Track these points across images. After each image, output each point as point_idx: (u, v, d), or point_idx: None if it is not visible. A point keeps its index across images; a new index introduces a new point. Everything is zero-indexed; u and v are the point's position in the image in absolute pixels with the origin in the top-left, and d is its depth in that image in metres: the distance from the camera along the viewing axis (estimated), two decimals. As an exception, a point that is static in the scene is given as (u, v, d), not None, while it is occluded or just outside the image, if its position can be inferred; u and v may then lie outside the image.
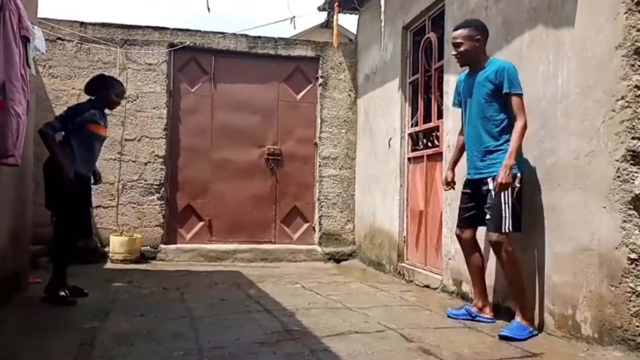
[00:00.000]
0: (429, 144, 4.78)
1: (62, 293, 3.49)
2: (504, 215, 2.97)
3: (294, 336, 2.85)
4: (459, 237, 3.40)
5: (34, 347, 2.53)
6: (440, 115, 4.54)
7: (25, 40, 3.19)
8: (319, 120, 6.60)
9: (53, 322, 3.04)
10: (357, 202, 6.56)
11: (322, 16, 7.43)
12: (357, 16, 6.82)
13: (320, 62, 6.64)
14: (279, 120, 6.53)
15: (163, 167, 6.14)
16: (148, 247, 5.93)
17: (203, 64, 6.42)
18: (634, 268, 2.45)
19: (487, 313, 3.30)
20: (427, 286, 4.43)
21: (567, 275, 2.84)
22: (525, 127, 3.01)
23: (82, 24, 6.08)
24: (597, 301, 2.62)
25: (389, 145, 5.44)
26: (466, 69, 3.35)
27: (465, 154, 3.37)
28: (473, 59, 3.22)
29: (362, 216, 6.35)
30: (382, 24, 5.22)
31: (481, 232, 3.36)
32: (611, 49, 2.59)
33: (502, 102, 3.08)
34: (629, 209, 2.48)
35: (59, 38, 5.95)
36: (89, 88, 3.86)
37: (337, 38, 6.17)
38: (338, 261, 6.23)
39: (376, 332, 2.95)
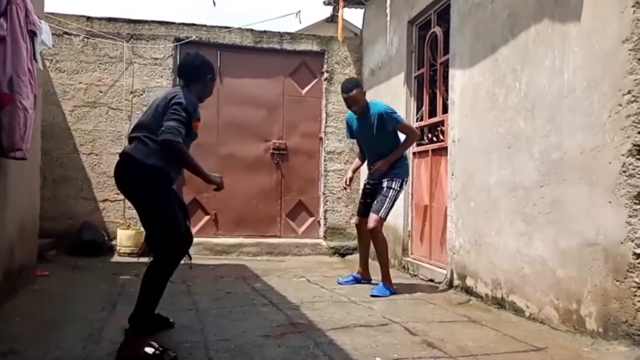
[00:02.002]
0: (434, 139, 4.77)
1: (151, 351, 2.34)
2: (385, 205, 3.97)
3: (299, 329, 2.87)
4: (357, 225, 4.37)
5: (42, 339, 2.57)
6: (445, 110, 4.53)
7: (32, 34, 3.21)
8: (324, 115, 6.59)
9: (61, 314, 3.07)
10: (362, 197, 6.56)
11: (328, 10, 7.43)
12: (362, 10, 6.79)
13: (326, 56, 6.63)
14: (284, 114, 6.54)
15: (169, 161, 6.16)
16: (154, 240, 5.96)
17: (209, 59, 6.41)
18: (639, 263, 2.44)
19: (368, 276, 4.36)
20: (432, 280, 4.44)
21: (572, 269, 2.84)
22: (412, 140, 4.22)
23: (88, 18, 6.10)
24: (602, 296, 2.62)
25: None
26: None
27: (365, 165, 4.38)
28: (366, 108, 4.10)
29: (367, 211, 6.36)
30: (388, 18, 5.20)
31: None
32: (618, 42, 2.58)
33: (387, 133, 4.06)
34: (635, 203, 2.47)
35: (65, 32, 5.98)
36: (191, 71, 2.82)
37: (342, 32, 6.16)
38: (343, 255, 6.24)
39: (381, 326, 2.97)
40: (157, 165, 2.50)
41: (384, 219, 3.99)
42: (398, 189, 4.04)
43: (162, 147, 2.48)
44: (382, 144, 4.11)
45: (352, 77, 4.62)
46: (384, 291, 3.90)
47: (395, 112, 4.11)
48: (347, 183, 4.37)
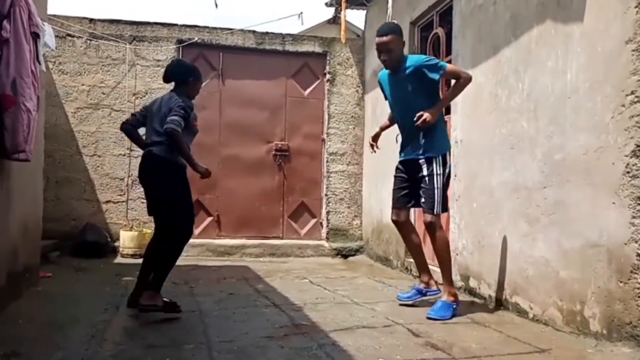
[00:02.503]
0: (437, 140, 4.75)
1: (167, 300, 3.15)
2: (436, 199, 3.26)
3: (302, 330, 2.87)
4: (394, 221, 3.56)
5: (45, 341, 2.57)
6: (448, 111, 4.51)
7: (35, 36, 3.22)
8: (326, 116, 6.60)
9: (64, 315, 3.07)
10: (364, 198, 6.56)
11: (330, 12, 7.43)
12: (364, 12, 6.80)
13: (328, 57, 6.63)
14: (286, 116, 6.54)
15: (171, 162, 6.17)
16: (157, 242, 5.97)
17: (211, 60, 6.44)
18: (643, 264, 2.43)
19: (433, 286, 3.55)
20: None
21: (575, 271, 2.83)
22: (467, 80, 3.34)
23: (91, 20, 6.12)
24: (606, 297, 2.61)
25: (397, 140, 5.41)
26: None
27: (398, 133, 3.63)
28: (399, 61, 3.40)
29: (369, 212, 6.36)
30: (389, 20, 5.20)
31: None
32: (621, 43, 2.57)
33: (426, 91, 3.34)
34: (639, 204, 2.46)
35: (68, 34, 6.00)
36: (176, 75, 3.42)
37: (344, 34, 6.16)
38: (345, 256, 6.24)
39: (384, 327, 2.96)
40: (177, 161, 3.20)
41: (440, 213, 3.30)
42: (442, 172, 3.28)
43: (166, 135, 3.11)
44: (419, 108, 3.28)
45: (392, 22, 3.86)
46: (445, 310, 3.17)
47: (435, 59, 3.39)
48: (374, 140, 3.78)
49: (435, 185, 3.26)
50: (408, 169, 3.44)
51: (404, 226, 3.54)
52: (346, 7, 6.21)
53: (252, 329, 2.88)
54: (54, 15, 5.70)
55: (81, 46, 6.04)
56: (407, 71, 3.33)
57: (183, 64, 3.55)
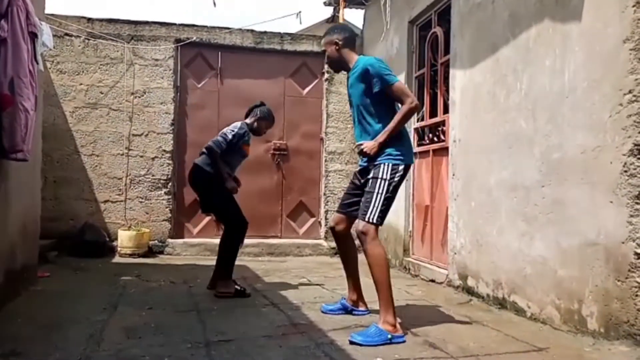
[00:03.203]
0: (435, 139, 4.77)
1: (239, 287, 3.74)
2: (372, 204, 2.82)
3: (300, 330, 2.87)
4: (331, 228, 3.24)
5: (43, 340, 2.57)
6: (446, 110, 4.53)
7: (33, 36, 3.21)
8: (325, 115, 6.60)
9: (62, 315, 3.07)
10: (363, 197, 6.55)
11: (328, 11, 7.43)
12: (363, 11, 6.80)
13: (326, 57, 6.62)
14: (285, 115, 6.54)
15: (170, 162, 6.17)
16: (156, 241, 5.98)
17: (210, 60, 6.43)
18: (640, 263, 2.44)
19: (362, 307, 3.24)
20: (433, 280, 4.44)
21: (573, 269, 2.84)
22: (413, 109, 2.90)
23: (89, 19, 6.11)
24: (604, 296, 2.62)
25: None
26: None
27: None
28: (341, 62, 3.17)
29: (368, 211, 6.35)
30: (387, 19, 5.20)
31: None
32: (619, 42, 2.58)
33: (376, 97, 2.96)
34: (636, 203, 2.47)
35: (66, 34, 5.99)
36: (250, 111, 4.15)
37: (343, 33, 6.14)
38: (344, 256, 6.23)
39: (382, 326, 2.96)
40: (212, 172, 3.83)
41: (376, 223, 2.82)
42: (388, 177, 2.85)
43: (206, 150, 3.85)
44: (368, 114, 3.00)
45: (335, 24, 4.04)
46: (371, 338, 2.60)
47: (387, 69, 2.96)
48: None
49: (377, 190, 2.83)
50: (360, 177, 3.10)
51: (341, 236, 3.21)
52: (344, 6, 6.23)
53: (250, 328, 2.88)
54: (52, 15, 5.69)
55: (79, 45, 6.04)
56: (356, 74, 3.03)
57: (255, 105, 4.15)
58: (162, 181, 6.13)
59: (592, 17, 2.77)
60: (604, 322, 2.61)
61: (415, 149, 5.11)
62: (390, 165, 2.88)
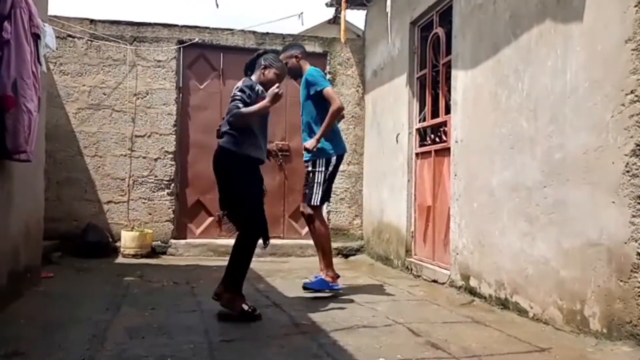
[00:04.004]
0: (437, 139, 4.77)
1: (246, 307, 3.05)
2: (314, 191, 3.76)
3: (302, 330, 2.87)
4: (301, 212, 3.96)
5: (46, 340, 2.58)
6: (448, 111, 4.53)
7: (36, 37, 3.22)
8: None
9: (65, 315, 3.08)
10: (364, 198, 6.57)
11: (330, 12, 7.42)
12: (364, 12, 6.80)
13: (328, 58, 6.64)
14: (286, 116, 6.54)
15: (173, 162, 6.19)
16: (158, 241, 5.99)
17: (212, 61, 6.45)
18: (642, 263, 2.44)
19: (337, 281, 3.88)
20: (435, 281, 4.44)
21: (575, 270, 2.83)
22: (337, 109, 3.77)
23: (92, 21, 6.13)
24: (606, 296, 2.61)
25: (397, 140, 5.44)
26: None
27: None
28: (300, 71, 3.93)
29: (370, 211, 6.36)
30: (389, 19, 5.20)
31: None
32: (621, 42, 2.58)
33: (315, 103, 3.80)
34: (638, 203, 2.46)
35: (69, 35, 6.01)
36: (249, 67, 3.42)
37: (344, 34, 6.15)
38: (346, 256, 6.25)
39: (384, 327, 2.97)
40: (245, 152, 3.15)
41: (317, 205, 3.79)
42: (323, 169, 3.78)
43: (231, 127, 3.11)
44: (309, 117, 3.84)
45: (290, 44, 4.27)
46: (321, 285, 3.69)
47: (321, 77, 3.84)
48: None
49: (316, 180, 3.77)
50: (306, 169, 3.95)
51: (309, 218, 3.89)
52: (346, 8, 6.21)
53: (252, 328, 2.89)
54: (55, 16, 5.71)
55: (82, 47, 6.06)
56: (303, 82, 3.88)
57: (258, 54, 3.40)
58: (164, 182, 6.15)
59: (594, 17, 2.77)
60: (607, 322, 2.60)
61: (417, 150, 5.12)
62: (324, 159, 3.80)
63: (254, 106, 3.09)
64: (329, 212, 6.51)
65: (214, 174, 3.26)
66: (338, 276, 3.86)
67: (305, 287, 3.71)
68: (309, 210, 3.79)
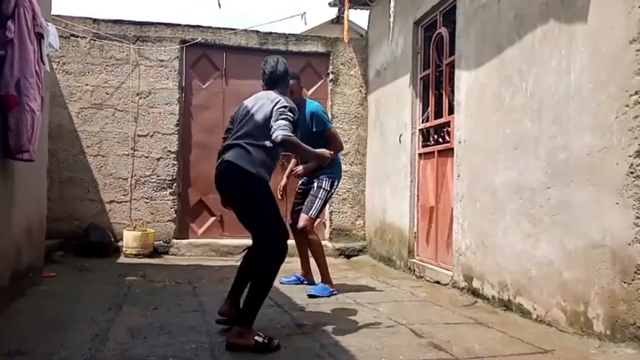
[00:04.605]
0: (440, 140, 4.76)
1: (260, 339, 2.51)
2: (315, 205, 4.00)
3: (304, 331, 2.87)
4: (290, 225, 4.13)
5: (48, 340, 2.58)
6: (451, 111, 4.52)
7: (40, 37, 3.23)
8: (329, 116, 6.58)
9: (67, 315, 3.08)
10: (367, 198, 6.56)
11: (333, 12, 7.42)
12: (368, 11, 6.79)
13: (331, 57, 6.63)
14: (289, 116, 6.53)
15: (175, 162, 6.19)
16: (161, 241, 5.99)
17: (214, 60, 6.45)
18: (647, 265, 2.42)
19: (310, 277, 4.31)
20: (438, 282, 4.43)
21: (579, 271, 2.82)
22: (340, 150, 4.18)
23: (95, 20, 6.13)
24: (610, 298, 2.60)
25: (400, 141, 5.43)
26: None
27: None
28: (297, 102, 3.61)
29: (372, 212, 6.35)
30: (392, 19, 5.20)
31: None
32: (625, 43, 2.56)
33: (318, 134, 3.99)
34: (643, 205, 2.45)
35: (72, 35, 6.02)
36: (277, 76, 3.03)
37: (347, 34, 6.15)
38: (348, 257, 6.23)
39: (386, 328, 2.96)
40: (260, 174, 2.71)
41: (314, 218, 4.04)
42: (328, 189, 4.06)
43: (276, 144, 2.65)
44: (314, 145, 3.13)
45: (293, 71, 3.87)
46: (323, 291, 3.90)
47: (326, 116, 4.17)
48: (281, 190, 4.36)
49: (319, 195, 4.02)
50: (304, 191, 4.21)
51: (296, 231, 4.12)
52: (349, 7, 6.21)
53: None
54: (58, 16, 5.71)
55: (85, 46, 6.06)
56: (307, 115, 4.03)
57: (283, 64, 3.06)
58: (167, 182, 6.15)
59: (598, 17, 2.76)
60: (610, 324, 2.59)
61: (420, 150, 5.11)
62: (329, 180, 4.08)
63: (313, 150, 2.87)
64: (331, 213, 6.51)
65: (219, 192, 2.92)
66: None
67: (311, 295, 3.83)
68: (302, 221, 3.98)
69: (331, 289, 3.95)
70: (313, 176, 4.12)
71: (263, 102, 2.82)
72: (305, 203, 4.04)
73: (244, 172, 2.67)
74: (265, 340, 2.49)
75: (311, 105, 4.10)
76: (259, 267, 2.65)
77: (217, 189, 2.88)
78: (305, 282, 4.29)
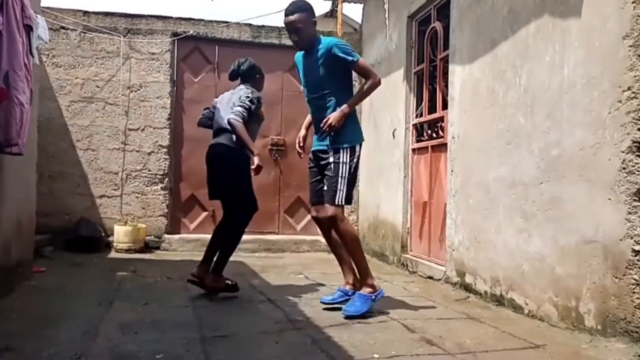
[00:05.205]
0: (434, 135, 4.76)
1: (229, 282, 3.57)
2: (339, 187, 3.05)
3: (296, 326, 2.86)
4: (315, 218, 3.34)
5: (38, 336, 2.55)
6: (445, 106, 4.51)
7: (29, 29, 3.18)
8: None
9: (57, 310, 3.05)
10: (360, 193, 6.54)
11: (327, 5, 7.40)
12: (361, 5, 6.76)
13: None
14: (282, 110, 6.51)
15: (167, 156, 6.14)
16: (152, 236, 5.95)
17: (207, 54, 6.39)
18: (638, 260, 2.43)
19: (360, 288, 3.19)
20: (431, 277, 4.43)
21: (571, 267, 2.83)
22: (375, 84, 3.18)
23: (85, 12, 6.06)
24: (601, 293, 2.61)
25: (394, 136, 5.42)
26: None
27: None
28: (311, 41, 3.24)
29: (365, 207, 6.35)
30: (387, 14, 5.18)
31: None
32: (618, 39, 2.56)
33: (338, 77, 3.18)
34: (634, 200, 2.46)
35: (62, 27, 5.94)
36: (246, 73, 3.75)
37: (341, 28, 6.14)
38: (341, 252, 6.22)
39: (379, 323, 2.96)
40: (243, 151, 3.52)
41: (343, 204, 3.09)
42: (348, 161, 3.10)
43: (229, 125, 3.45)
44: (330, 94, 3.16)
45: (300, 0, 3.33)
46: (362, 304, 3.01)
47: (349, 47, 3.21)
48: (301, 144, 3.50)
49: (340, 174, 3.07)
50: (318, 160, 3.27)
51: (325, 223, 3.23)
52: (343, 1, 6.19)
53: (246, 324, 2.87)
54: (48, 8, 5.63)
55: (75, 39, 5.99)
56: (319, 53, 3.17)
57: (252, 64, 3.80)
58: (158, 176, 6.10)
59: (592, 13, 2.75)
60: (602, 319, 2.60)
61: (414, 145, 5.10)
62: (348, 149, 3.13)
63: (249, 142, 3.45)
64: (324, 207, 6.49)
65: (207, 166, 3.66)
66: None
67: (348, 317, 2.94)
68: (330, 212, 3.06)
69: (373, 295, 3.09)
70: (322, 144, 3.22)
71: (235, 93, 3.67)
72: (326, 188, 3.11)
73: (231, 149, 3.55)
74: (233, 283, 3.55)
75: (327, 40, 3.23)
76: (235, 223, 3.64)
77: (208, 165, 3.65)
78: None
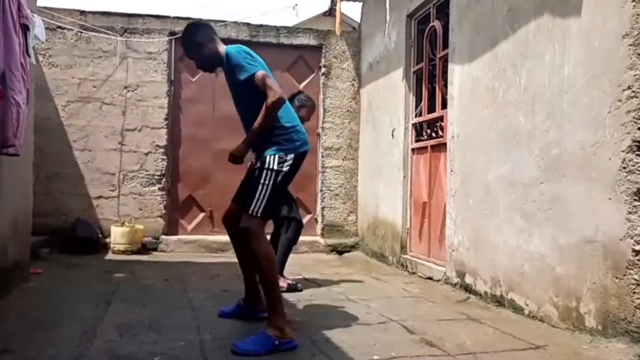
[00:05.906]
0: (433, 135, 4.74)
1: (289, 281, 3.85)
2: (257, 197, 2.58)
3: (295, 327, 2.83)
4: (224, 220, 3.02)
5: (35, 337, 2.53)
6: (444, 105, 4.50)
7: (25, 28, 3.15)
8: (321, 110, 6.54)
9: (55, 312, 3.03)
10: (360, 194, 6.53)
11: (326, 4, 7.38)
12: (360, 4, 6.75)
13: (323, 50, 6.57)
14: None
15: (164, 157, 6.12)
16: (149, 238, 5.92)
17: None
18: (638, 260, 2.43)
19: (262, 306, 2.83)
20: (430, 278, 4.42)
21: (571, 266, 2.82)
22: (275, 102, 2.61)
23: (82, 12, 6.03)
24: (601, 293, 2.60)
25: (393, 135, 5.41)
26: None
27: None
28: (211, 60, 3.00)
29: (365, 208, 6.34)
30: (387, 12, 5.16)
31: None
32: (618, 38, 2.55)
33: (247, 90, 2.74)
34: (635, 200, 2.45)
35: (59, 27, 5.91)
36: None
37: (340, 26, 6.11)
38: (340, 253, 6.22)
39: (378, 324, 2.94)
40: None
41: (258, 215, 2.57)
42: (276, 167, 2.63)
43: None
44: (244, 106, 2.85)
45: (192, 23, 3.23)
46: (258, 346, 2.37)
47: (248, 57, 2.78)
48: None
49: (262, 180, 2.61)
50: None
51: (232, 228, 2.89)
52: (341, 0, 6.16)
53: (245, 325, 2.85)
54: (44, 7, 5.60)
55: (72, 38, 5.96)
56: (226, 67, 2.88)
57: (304, 96, 4.03)
58: (155, 177, 6.08)
59: (592, 12, 2.74)
60: (602, 319, 2.59)
61: (413, 145, 5.09)
62: (276, 156, 2.65)
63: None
64: (323, 209, 6.48)
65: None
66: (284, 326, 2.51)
67: (235, 352, 2.36)
68: (244, 224, 2.59)
69: (276, 341, 2.41)
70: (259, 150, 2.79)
71: None
72: (247, 194, 2.66)
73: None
74: (293, 282, 3.86)
75: (228, 53, 2.91)
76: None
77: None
78: (253, 313, 2.94)
